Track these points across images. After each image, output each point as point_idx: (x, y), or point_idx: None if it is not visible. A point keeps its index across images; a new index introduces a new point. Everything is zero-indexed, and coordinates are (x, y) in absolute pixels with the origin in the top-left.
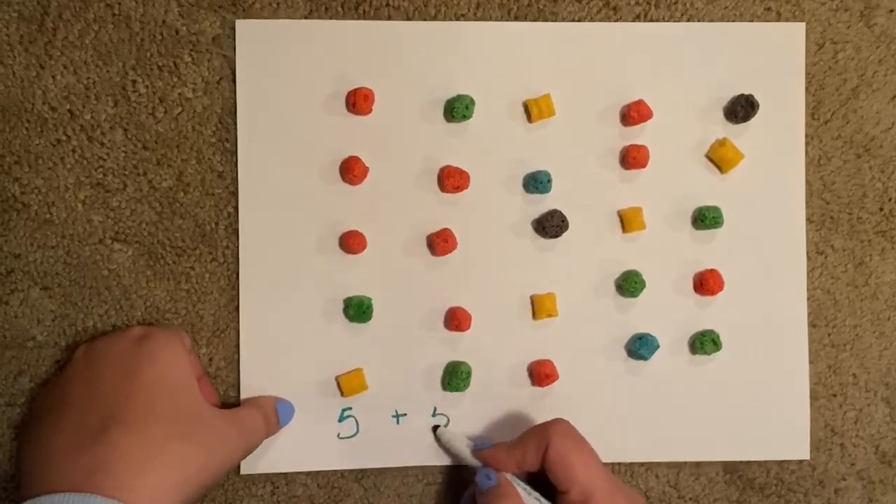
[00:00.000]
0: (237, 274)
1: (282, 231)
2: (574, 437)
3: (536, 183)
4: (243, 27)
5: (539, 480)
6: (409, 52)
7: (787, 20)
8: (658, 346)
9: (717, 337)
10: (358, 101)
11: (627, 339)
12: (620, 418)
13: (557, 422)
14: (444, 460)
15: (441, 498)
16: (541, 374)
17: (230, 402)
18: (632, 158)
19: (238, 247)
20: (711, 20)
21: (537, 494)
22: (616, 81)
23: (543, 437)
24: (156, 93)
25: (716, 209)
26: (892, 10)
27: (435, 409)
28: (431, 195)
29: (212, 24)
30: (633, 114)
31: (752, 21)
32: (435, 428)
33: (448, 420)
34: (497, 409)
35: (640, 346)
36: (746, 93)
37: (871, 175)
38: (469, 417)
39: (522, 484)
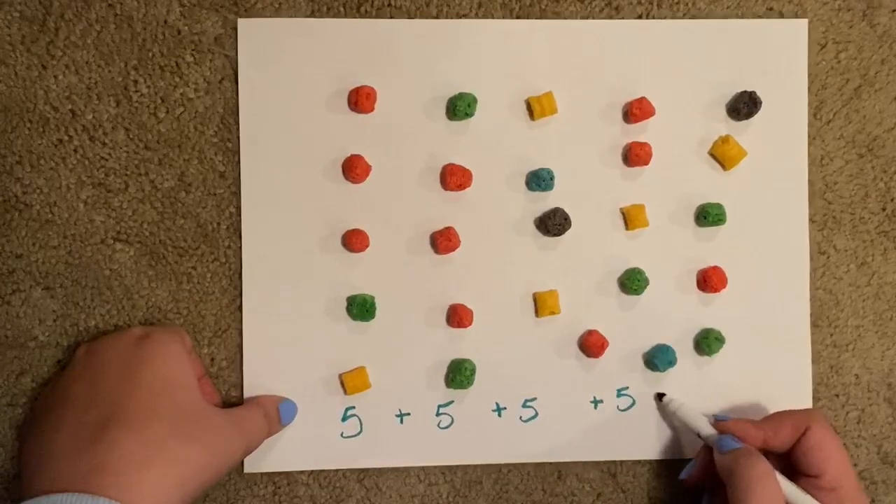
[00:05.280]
0: (239, 274)
1: (284, 230)
2: (831, 428)
3: (539, 181)
4: (245, 26)
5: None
6: (411, 51)
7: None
8: (675, 361)
9: (720, 334)
10: (360, 100)
11: (645, 349)
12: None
13: (817, 410)
14: (447, 460)
15: (443, 498)
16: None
17: (232, 401)
18: (634, 156)
19: (240, 246)
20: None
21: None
22: (618, 79)
23: (803, 421)
24: (158, 93)
25: (719, 206)
26: (894, 10)
27: (438, 407)
28: (434, 193)
29: (213, 24)
30: (636, 111)
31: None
32: (660, 396)
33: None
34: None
35: (656, 357)
36: (749, 90)
37: (874, 175)
38: (471, 417)
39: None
